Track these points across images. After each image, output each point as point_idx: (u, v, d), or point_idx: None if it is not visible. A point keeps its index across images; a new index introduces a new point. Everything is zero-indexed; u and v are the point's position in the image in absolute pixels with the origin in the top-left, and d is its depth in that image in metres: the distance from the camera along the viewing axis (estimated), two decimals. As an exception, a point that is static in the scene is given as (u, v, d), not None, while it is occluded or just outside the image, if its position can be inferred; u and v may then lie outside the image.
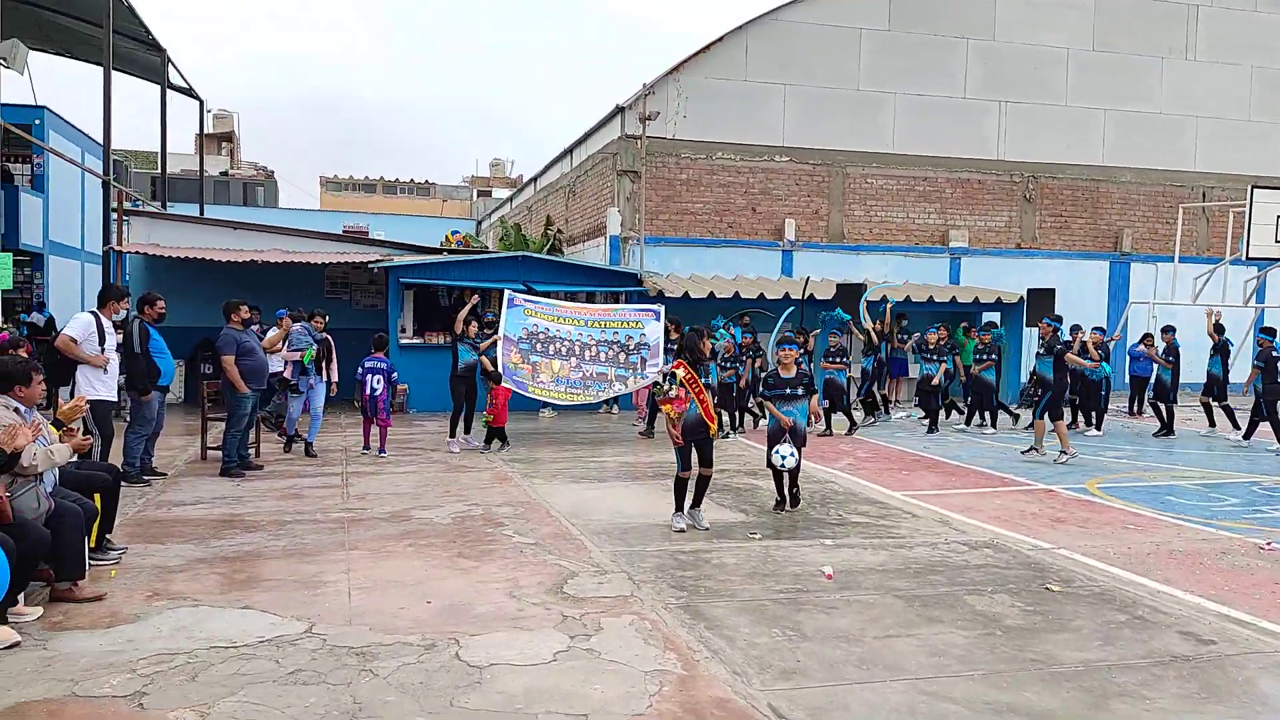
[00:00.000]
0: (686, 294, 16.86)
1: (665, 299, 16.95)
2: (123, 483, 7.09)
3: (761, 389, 8.57)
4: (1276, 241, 15.89)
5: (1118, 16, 21.80)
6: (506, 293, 12.91)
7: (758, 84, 19.86)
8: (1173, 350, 14.98)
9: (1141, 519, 8.24)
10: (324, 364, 11.18)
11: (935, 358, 14.74)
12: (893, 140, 20.66)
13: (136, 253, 15.94)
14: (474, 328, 12.04)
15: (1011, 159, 21.38)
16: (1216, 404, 14.43)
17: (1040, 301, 17.69)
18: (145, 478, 9.15)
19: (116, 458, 8.54)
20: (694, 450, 7.43)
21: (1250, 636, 5.17)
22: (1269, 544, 7.23)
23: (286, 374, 11.25)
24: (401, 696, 4.18)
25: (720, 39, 19.67)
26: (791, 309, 15.58)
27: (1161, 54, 22.07)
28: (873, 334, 15.15)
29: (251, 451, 10.43)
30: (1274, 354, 14.01)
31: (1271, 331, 14.65)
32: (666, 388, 7.27)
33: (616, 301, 16.65)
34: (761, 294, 17.35)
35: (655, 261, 18.95)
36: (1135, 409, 16.92)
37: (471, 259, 17.15)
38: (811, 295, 17.55)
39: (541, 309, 12.98)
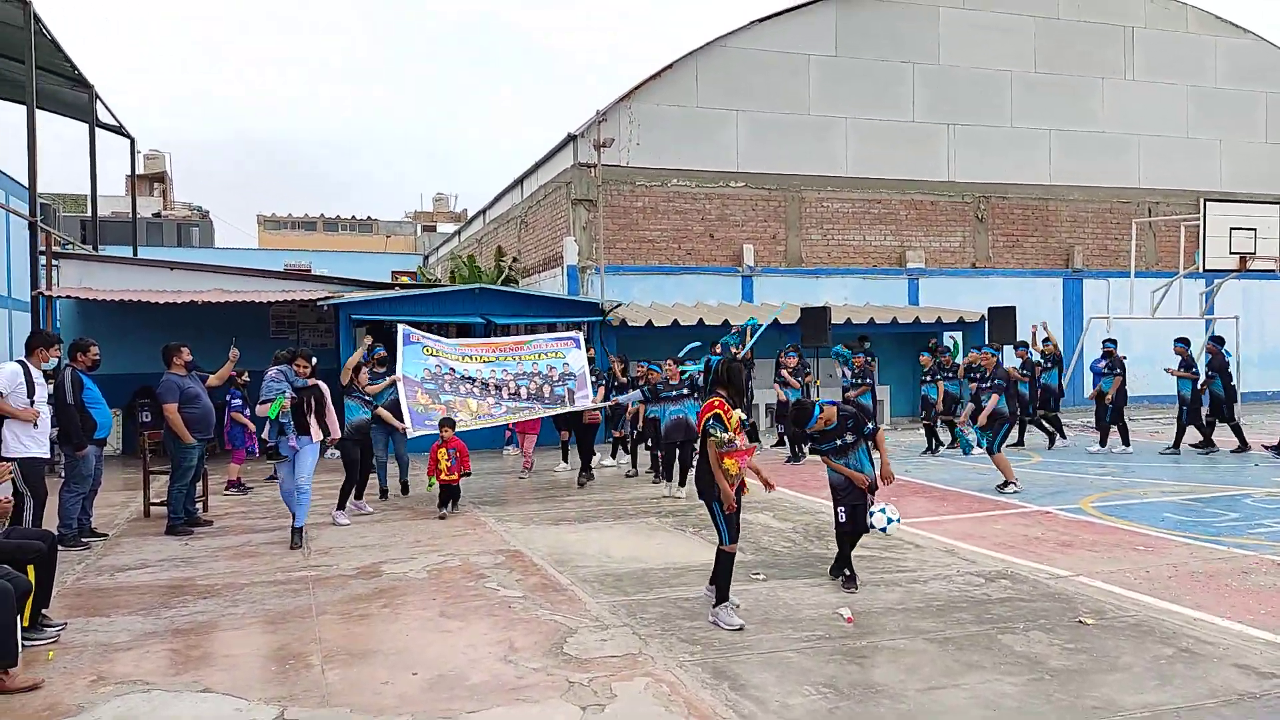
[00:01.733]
0: (650, 322, 16.45)
1: (628, 328, 16.54)
2: (59, 548, 6.35)
3: (810, 444, 7.22)
4: (1231, 253, 16.06)
5: (1058, 39, 22.19)
6: (400, 328, 10.95)
7: (710, 110, 19.68)
8: (1117, 362, 14.76)
9: (1149, 539, 7.95)
10: (310, 417, 8.39)
11: (929, 379, 14.48)
12: (846, 164, 20.63)
13: (68, 297, 15.02)
14: (364, 376, 10.27)
15: (962, 180, 21.52)
16: (1225, 422, 14.15)
17: (1001, 320, 17.73)
18: (84, 540, 8.35)
19: (51, 521, 7.75)
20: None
21: (1309, 666, 4.83)
22: (1288, 561, 6.97)
23: (265, 433, 8.51)
24: (400, 795, 3.59)
25: (670, 65, 19.49)
26: (752, 320, 15.18)
27: (1102, 74, 22.50)
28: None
29: (199, 506, 9.67)
30: (1225, 360, 14.11)
31: (1221, 340, 14.76)
32: (726, 437, 5.58)
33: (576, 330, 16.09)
34: (726, 320, 17.00)
35: (614, 290, 18.52)
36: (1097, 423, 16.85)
37: (427, 293, 16.53)
38: (776, 320, 17.30)
39: (443, 349, 11.22)
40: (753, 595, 6.36)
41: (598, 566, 7.27)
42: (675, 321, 16.64)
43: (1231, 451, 13.58)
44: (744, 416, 5.84)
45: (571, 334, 12.67)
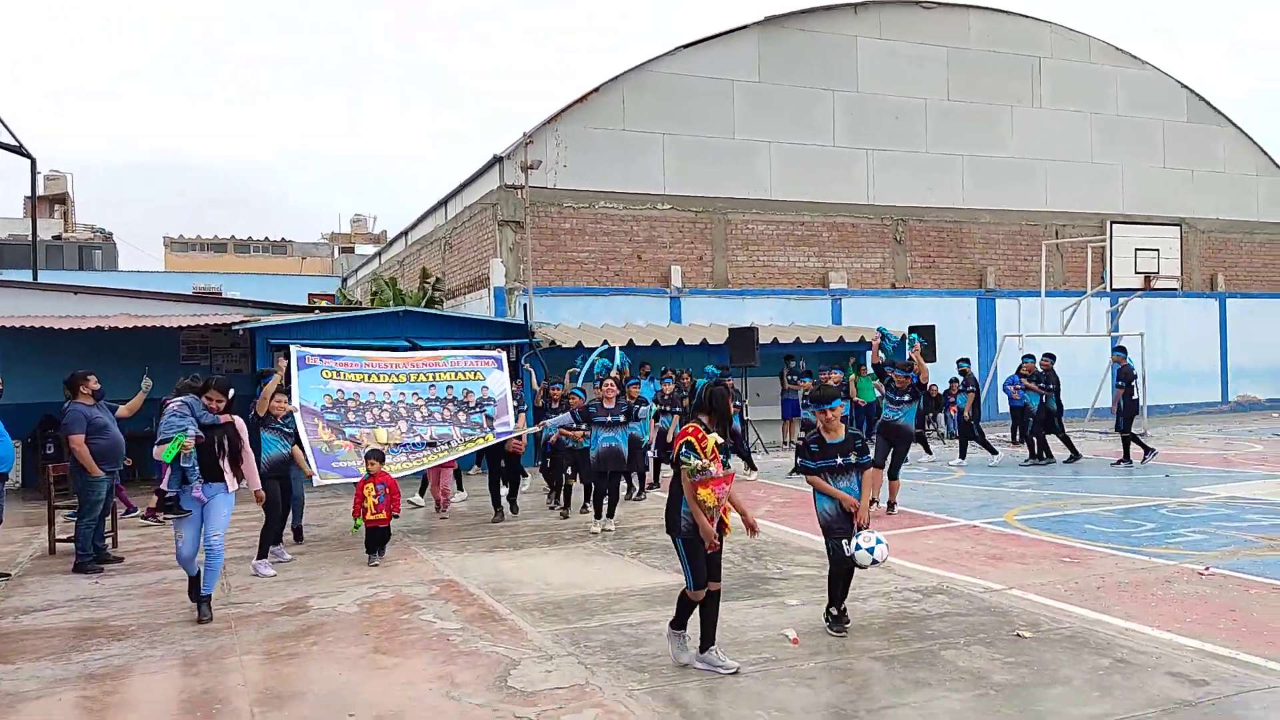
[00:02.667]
0: (580, 343, 16.33)
1: (558, 349, 16.40)
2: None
3: (801, 459, 6.13)
4: (1136, 273, 16.80)
5: (969, 68, 23.01)
6: (294, 350, 9.70)
7: (637, 133, 19.78)
8: (1052, 377, 15.36)
9: (1074, 550, 8.17)
10: (222, 461, 6.79)
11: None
12: (770, 187, 20.95)
13: (-39, 323, 14.13)
14: (283, 405, 8.90)
15: (881, 203, 22.05)
16: (1120, 433, 14.75)
17: (923, 337, 18.17)
18: (-20, 582, 7.84)
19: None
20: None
21: (1237, 673, 4.98)
22: (1207, 569, 7.23)
23: (165, 483, 6.62)
24: (344, 846, 3.39)
25: (596, 89, 19.53)
26: (605, 346, 15.12)
27: (1011, 102, 23.39)
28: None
29: (108, 542, 9.15)
30: (1131, 369, 14.74)
31: (1124, 349, 15.44)
32: (700, 464, 5.07)
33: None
34: (655, 341, 17.04)
35: (543, 311, 18.37)
36: (1016, 438, 17.39)
37: (348, 316, 16.08)
38: (704, 340, 17.40)
39: (345, 368, 9.91)
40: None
41: (536, 594, 7.11)
42: (605, 342, 16.54)
43: (1065, 461, 14.53)
44: (721, 441, 5.28)
45: (493, 353, 11.27)
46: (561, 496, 11.21)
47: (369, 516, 8.40)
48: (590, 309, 19.03)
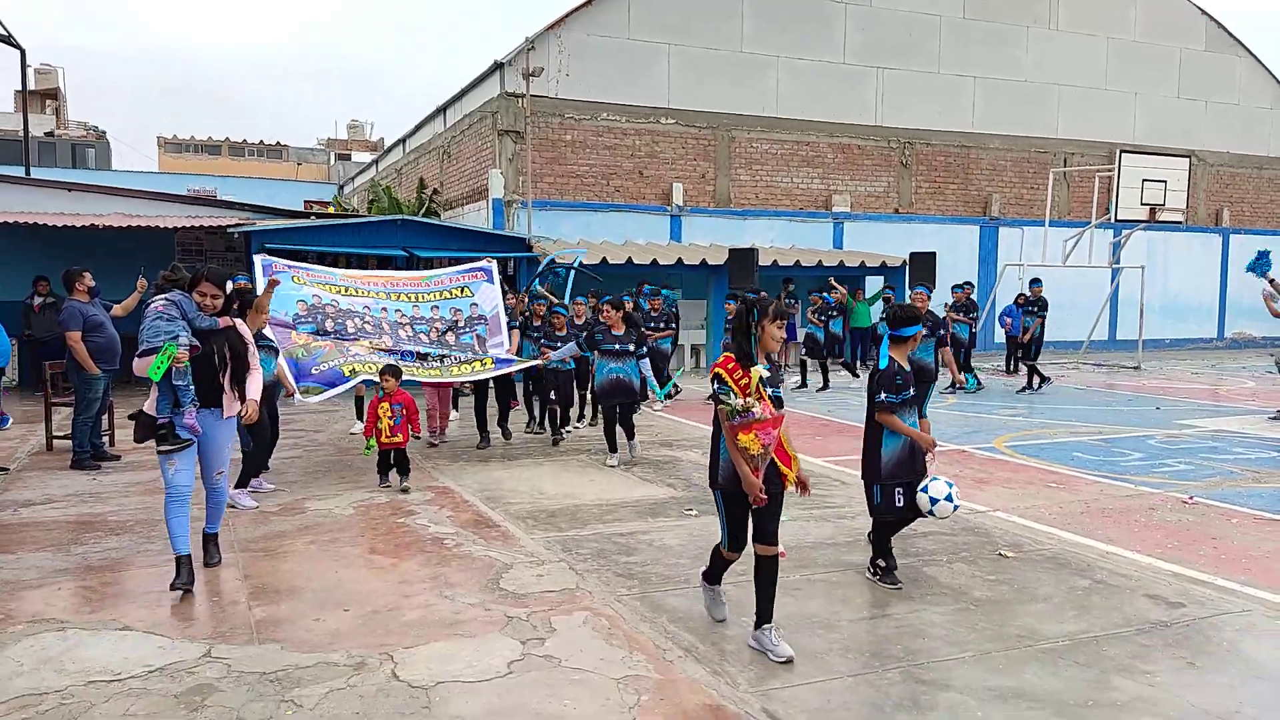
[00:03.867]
0: (579, 260, 16.21)
1: (556, 265, 16.30)
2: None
3: (884, 393, 5.12)
4: (1142, 204, 16.63)
5: (987, -15, 22.31)
6: (259, 259, 8.87)
7: (642, 43, 19.26)
8: (1041, 302, 15.50)
9: (1060, 476, 8.29)
10: (223, 377, 5.36)
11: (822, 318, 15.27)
12: (777, 104, 20.51)
13: (-47, 217, 13.98)
14: (261, 318, 7.07)
15: (889, 125, 21.64)
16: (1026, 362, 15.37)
17: (922, 265, 18.08)
18: (-18, 474, 7.95)
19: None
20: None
21: (1213, 596, 5.10)
22: (1190, 498, 7.35)
23: (148, 407, 5.16)
24: (338, 731, 3.51)
25: (602, -6, 18.93)
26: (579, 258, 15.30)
27: (1026, 23, 22.76)
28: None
29: (106, 439, 9.23)
30: (1046, 301, 15.22)
31: (1040, 280, 15.72)
32: (738, 404, 4.14)
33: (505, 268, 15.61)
34: (654, 260, 16.93)
35: (542, 225, 18.20)
36: (1011, 367, 17.46)
37: (345, 223, 15.93)
38: (704, 260, 17.30)
39: (317, 278, 9.03)
40: (686, 530, 6.40)
41: (530, 503, 7.21)
42: (604, 260, 16.45)
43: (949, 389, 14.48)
44: (765, 374, 4.28)
45: (481, 264, 10.08)
46: (546, 422, 10.34)
47: (384, 439, 7.58)
48: (590, 225, 18.84)
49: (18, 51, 21.48)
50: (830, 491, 7.66)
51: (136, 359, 5.04)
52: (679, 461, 8.88)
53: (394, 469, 7.69)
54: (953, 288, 15.91)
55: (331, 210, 23.38)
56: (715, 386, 4.27)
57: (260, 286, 8.01)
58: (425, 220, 17.11)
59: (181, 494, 5.11)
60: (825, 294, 15.84)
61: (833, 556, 5.81)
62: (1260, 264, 12.77)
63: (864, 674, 4.07)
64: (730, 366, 4.28)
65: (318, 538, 6.20)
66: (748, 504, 4.28)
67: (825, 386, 15.04)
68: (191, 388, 5.09)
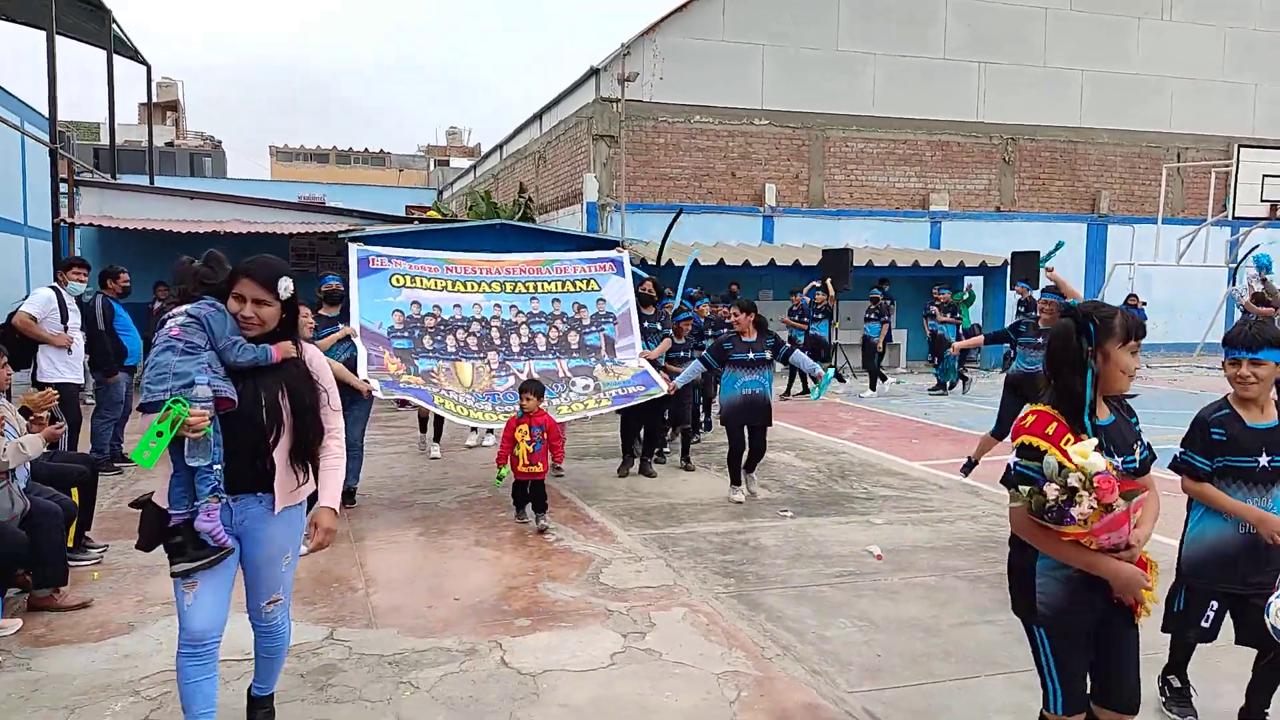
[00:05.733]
0: (670, 262, 16.34)
1: (646, 267, 16.45)
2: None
3: (1187, 455, 3.48)
4: (1262, 200, 15.82)
5: (1095, -26, 21.54)
6: (353, 249, 7.51)
7: (735, 45, 19.27)
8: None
9: (1175, 483, 7.97)
10: (275, 451, 3.09)
11: (876, 318, 15.01)
12: (872, 102, 20.24)
13: (89, 225, 15.00)
14: (308, 323, 6.33)
15: (990, 120, 21.10)
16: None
17: (1023, 264, 17.58)
18: (115, 465, 8.47)
19: (83, 447, 7.86)
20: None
21: None
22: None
23: (159, 496, 3.10)
24: (452, 714, 3.69)
25: (696, -2, 19.03)
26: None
27: (1138, 14, 21.88)
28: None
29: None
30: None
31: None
32: (1062, 496, 2.47)
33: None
34: (746, 261, 16.93)
35: (634, 228, 18.38)
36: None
37: (446, 228, 16.42)
38: (797, 261, 17.21)
39: (422, 272, 7.67)
40: (782, 532, 6.43)
41: (625, 501, 7.35)
42: (695, 261, 16.50)
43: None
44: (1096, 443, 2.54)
45: (610, 254, 8.66)
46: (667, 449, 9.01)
47: (520, 467, 6.40)
48: (682, 227, 18.91)
49: (144, 67, 22.82)
50: (928, 496, 7.57)
51: (140, 406, 3.06)
52: (771, 463, 8.88)
53: (530, 503, 6.52)
54: (936, 289, 15.50)
55: (433, 215, 24.06)
56: (1018, 465, 2.59)
57: (354, 279, 7.21)
58: (521, 224, 17.49)
59: (204, 642, 3.10)
60: (805, 294, 15.08)
61: (931, 561, 5.76)
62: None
63: (966, 679, 4.05)
64: (1053, 429, 2.56)
65: (427, 530, 6.45)
66: (1088, 639, 2.73)
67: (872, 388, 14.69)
68: (218, 468, 2.90)
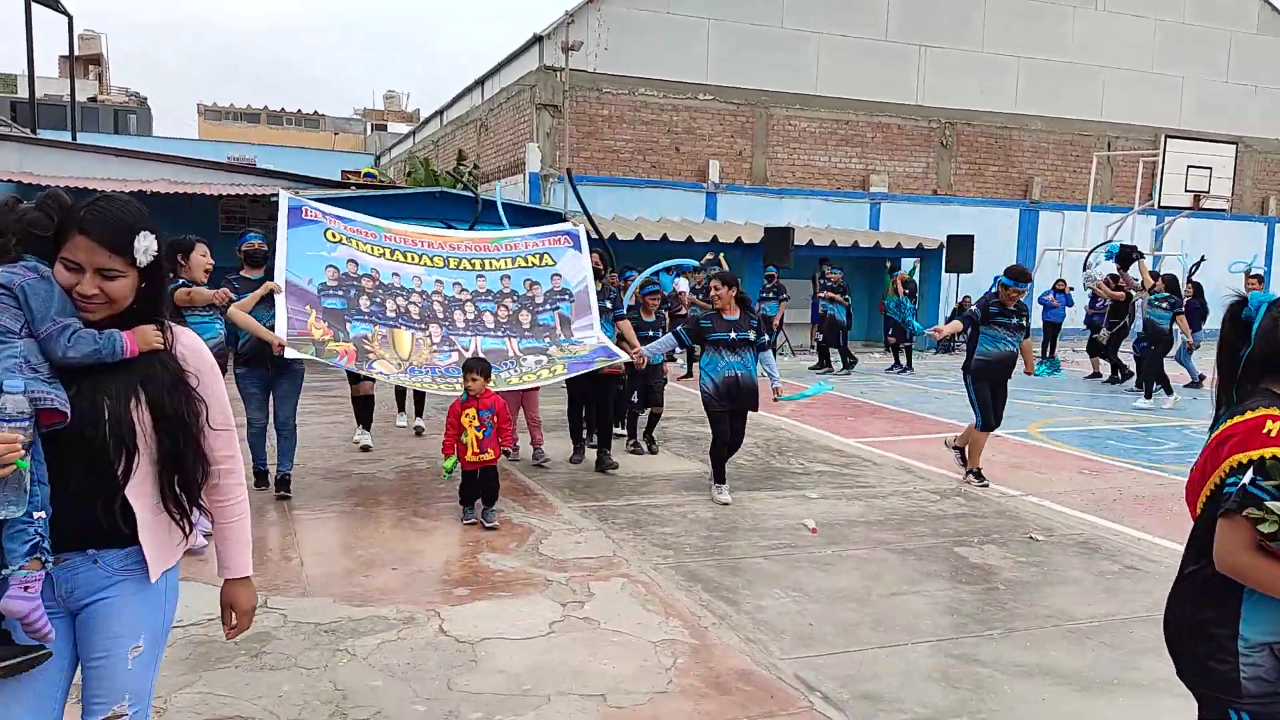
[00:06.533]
0: (614, 235, 16.30)
1: (590, 241, 16.39)
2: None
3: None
4: (1186, 190, 16.40)
5: (1034, -37, 21.94)
6: (284, 196, 6.71)
7: (681, 18, 19.19)
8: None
9: (1094, 463, 8.31)
10: (123, 483, 2.03)
11: (775, 297, 15.15)
12: (816, 82, 20.38)
13: (8, 181, 14.34)
14: (201, 295, 5.57)
15: (930, 104, 21.43)
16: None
17: (959, 248, 18.00)
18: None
19: None
20: None
21: (1242, 583, 5.14)
22: (1224, 487, 7.33)
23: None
24: (390, 680, 3.69)
25: (643, -32, 18.87)
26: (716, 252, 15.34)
27: (1073, 3, 22.37)
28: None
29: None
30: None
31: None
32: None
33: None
34: (689, 237, 16.99)
35: (576, 200, 18.26)
36: (1048, 354, 17.35)
37: (383, 194, 16.13)
38: (739, 239, 17.33)
39: (359, 235, 6.82)
40: (718, 505, 6.52)
41: (567, 474, 7.37)
42: (639, 236, 16.54)
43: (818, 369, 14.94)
44: None
45: (565, 226, 8.01)
46: (630, 429, 8.45)
47: (469, 455, 5.75)
48: (625, 200, 18.89)
49: (65, 18, 21.83)
50: (862, 472, 7.75)
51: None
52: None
53: (479, 497, 5.88)
54: (828, 269, 15.49)
55: (369, 176, 23.53)
56: (1252, 485, 1.92)
57: (283, 236, 6.37)
58: (462, 193, 17.25)
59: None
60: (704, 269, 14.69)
61: (864, 534, 5.91)
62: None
63: (893, 646, 4.19)
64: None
65: (363, 500, 6.40)
66: None
67: (845, 368, 14.96)
68: (40, 516, 1.92)
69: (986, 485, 7.25)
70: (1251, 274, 14.84)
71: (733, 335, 6.58)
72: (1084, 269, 14.72)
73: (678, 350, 7.49)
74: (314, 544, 5.41)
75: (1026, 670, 3.98)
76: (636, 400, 8.24)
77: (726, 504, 6.49)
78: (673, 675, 3.82)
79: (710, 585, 4.88)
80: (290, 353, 5.89)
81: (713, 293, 6.80)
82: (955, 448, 7.56)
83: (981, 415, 7.33)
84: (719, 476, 6.71)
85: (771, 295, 15.18)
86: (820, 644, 4.19)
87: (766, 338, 6.95)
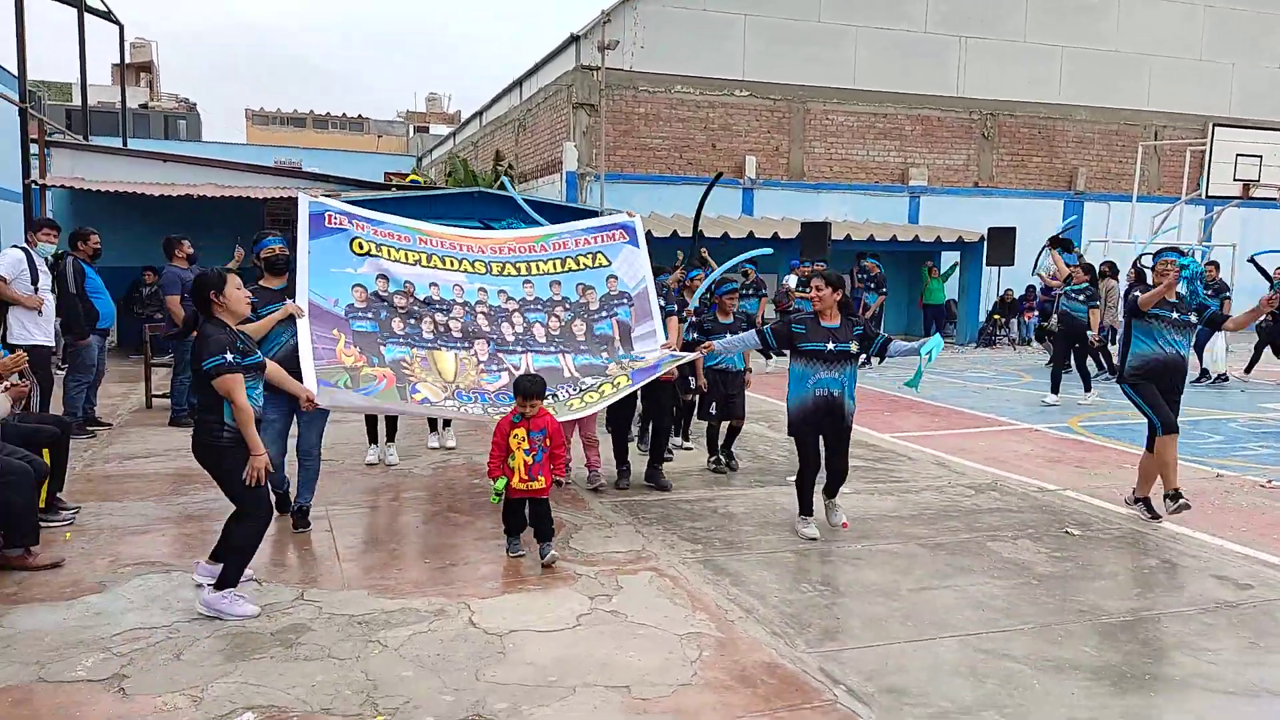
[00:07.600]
0: (650, 233, 16.31)
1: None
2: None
3: None
4: (1235, 179, 15.99)
5: (1077, -49, 21.52)
6: (303, 199, 6.03)
7: (717, 14, 19.15)
8: (879, 279, 15.19)
9: (1135, 457, 8.07)
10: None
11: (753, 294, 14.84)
12: (854, 75, 20.21)
13: (61, 186, 14.78)
14: (235, 295, 4.42)
15: (970, 96, 21.13)
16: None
17: (1000, 241, 17.73)
18: (88, 429, 8.45)
19: (55, 409, 7.83)
20: None
21: (1285, 579, 5.03)
22: (1270, 481, 7.19)
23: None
24: (419, 671, 3.76)
25: (678, -36, 18.87)
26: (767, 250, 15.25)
27: (1119, -10, 21.90)
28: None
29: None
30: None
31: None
32: None
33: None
34: (725, 234, 16.95)
35: (614, 198, 18.31)
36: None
37: (423, 195, 16.35)
38: (776, 234, 17.26)
39: (391, 240, 6.13)
40: (750, 500, 6.53)
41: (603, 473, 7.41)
42: (675, 233, 16.54)
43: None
44: None
45: (620, 219, 7.04)
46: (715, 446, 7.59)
47: (515, 482, 5.04)
48: (661, 197, 18.91)
49: (116, 27, 22.38)
50: (896, 466, 7.70)
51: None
52: (744, 434, 8.95)
53: (529, 527, 5.17)
54: (860, 258, 15.36)
55: (414, 181, 23.83)
56: None
57: (304, 249, 5.74)
58: (499, 193, 17.39)
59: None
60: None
61: (896, 529, 5.88)
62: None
63: (921, 640, 4.17)
64: None
65: (399, 495, 6.51)
66: None
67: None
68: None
69: (1170, 509, 6.00)
70: None
71: (830, 346, 5.48)
72: (1035, 262, 14.61)
73: (771, 354, 6.27)
74: (351, 538, 5.52)
75: (1056, 665, 3.94)
76: (715, 412, 7.36)
77: (814, 539, 5.56)
78: (698, 668, 3.84)
79: (738, 579, 4.89)
80: (324, 401, 5.25)
81: (813, 292, 5.62)
82: (1138, 499, 6.33)
83: (1161, 418, 6.06)
84: (805, 508, 5.73)
85: (749, 292, 14.72)
86: (847, 638, 4.19)
87: (883, 335, 5.88)
